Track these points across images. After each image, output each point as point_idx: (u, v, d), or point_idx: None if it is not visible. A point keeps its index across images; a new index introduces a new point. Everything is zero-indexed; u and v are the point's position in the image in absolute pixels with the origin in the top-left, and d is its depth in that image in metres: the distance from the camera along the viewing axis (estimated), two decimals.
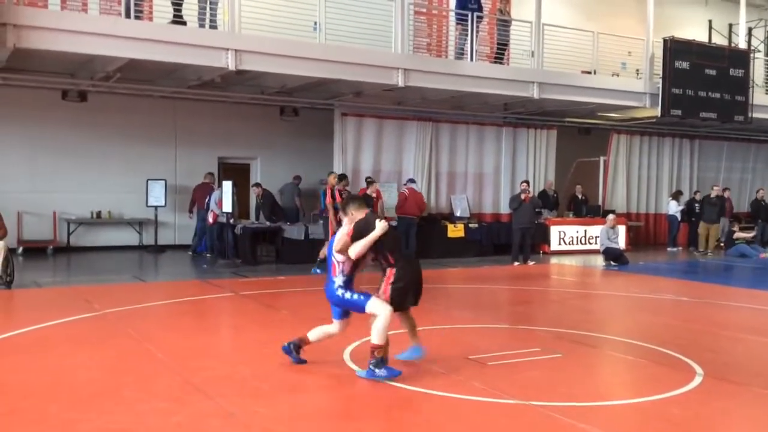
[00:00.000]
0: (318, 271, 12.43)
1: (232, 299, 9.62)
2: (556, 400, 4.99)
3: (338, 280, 5.62)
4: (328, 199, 12.49)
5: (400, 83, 12.94)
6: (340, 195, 12.47)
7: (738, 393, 5.39)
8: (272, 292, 10.11)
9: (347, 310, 5.71)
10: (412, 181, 14.97)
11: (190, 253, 14.67)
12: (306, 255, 13.39)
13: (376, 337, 5.40)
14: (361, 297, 5.51)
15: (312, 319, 8.22)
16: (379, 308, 5.44)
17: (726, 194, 18.40)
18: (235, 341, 7.28)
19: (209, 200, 14.30)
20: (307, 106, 15.74)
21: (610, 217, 15.36)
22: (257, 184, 14.87)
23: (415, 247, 13.97)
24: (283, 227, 13.57)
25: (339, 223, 12.52)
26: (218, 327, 8.42)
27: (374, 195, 13.42)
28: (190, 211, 15.20)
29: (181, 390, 5.16)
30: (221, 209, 13.48)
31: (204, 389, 5.15)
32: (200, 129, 15.88)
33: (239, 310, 8.98)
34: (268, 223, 13.92)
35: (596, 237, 15.73)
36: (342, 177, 13.38)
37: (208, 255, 14.43)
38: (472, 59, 14.15)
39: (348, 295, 5.56)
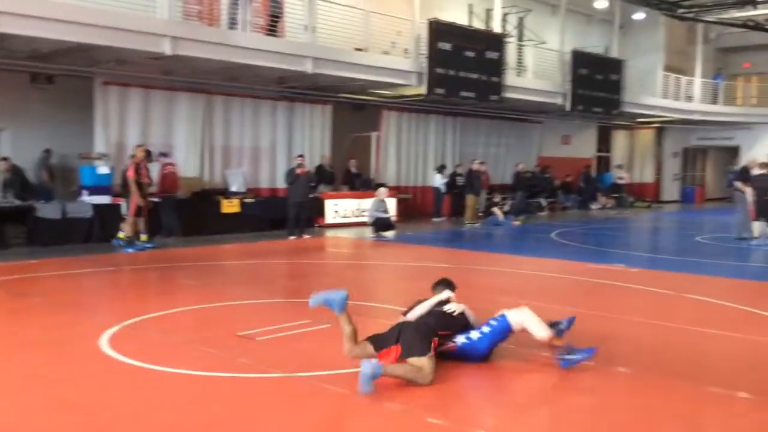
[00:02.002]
0: (130, 249, 11.94)
1: None
2: (322, 370, 5.08)
3: None
4: (131, 173, 11.88)
5: (168, 51, 12.29)
6: (136, 170, 11.98)
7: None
8: (22, 277, 9.18)
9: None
10: (167, 155, 14.24)
11: None
12: (63, 235, 12.36)
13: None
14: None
15: (68, 304, 7.63)
16: None
17: (483, 168, 19.95)
18: None
19: None
20: (64, 74, 14.36)
21: (382, 190, 15.99)
22: (4, 158, 13.34)
23: (180, 226, 13.62)
24: (35, 206, 12.34)
25: (143, 198, 11.96)
26: None
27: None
28: None
29: None
30: None
31: None
32: None
33: None
34: (17, 202, 12.59)
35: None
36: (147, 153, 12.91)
37: None
38: (245, 30, 13.84)
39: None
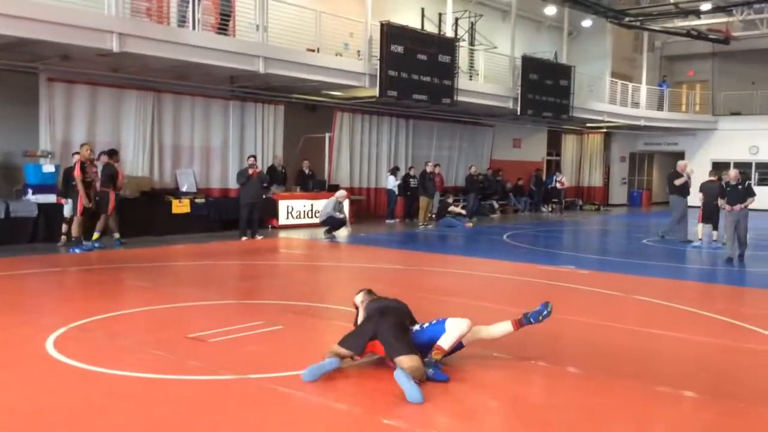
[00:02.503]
0: (77, 250, 11.59)
1: None
2: (274, 372, 5.02)
3: None
4: (77, 172, 11.57)
5: (115, 48, 12.01)
6: (82, 169, 11.65)
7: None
8: None
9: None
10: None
11: None
12: (7, 235, 11.97)
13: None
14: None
15: (13, 305, 7.38)
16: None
17: (437, 170, 20.08)
18: None
19: None
20: (6, 69, 13.89)
21: (341, 192, 15.93)
22: None
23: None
24: None
25: (90, 199, 11.63)
26: None
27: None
28: None
29: None
30: None
31: None
32: None
33: None
34: None
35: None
36: (113, 152, 12.89)
37: None
38: (195, 28, 13.65)
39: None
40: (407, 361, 4.82)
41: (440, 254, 13.27)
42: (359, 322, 5.46)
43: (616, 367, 5.52)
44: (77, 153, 12.36)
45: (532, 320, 5.45)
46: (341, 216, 15.49)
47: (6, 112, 14.14)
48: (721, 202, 13.11)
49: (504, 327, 5.51)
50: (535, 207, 25.38)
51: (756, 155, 29.26)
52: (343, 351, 5.08)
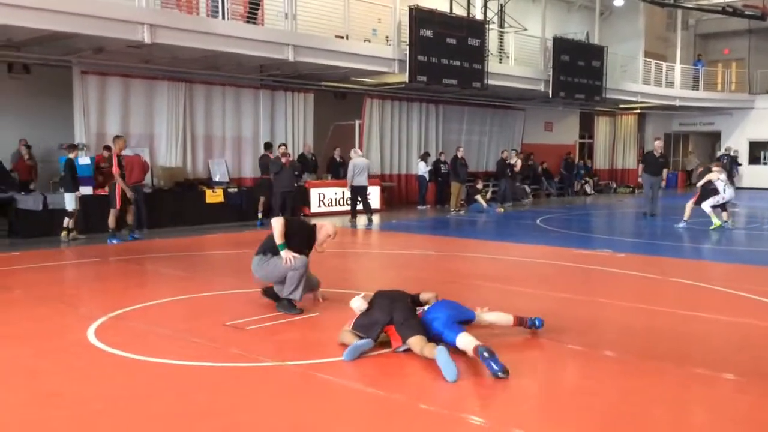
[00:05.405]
0: (114, 240, 11.71)
1: None
2: (312, 358, 5.07)
3: None
4: (115, 168, 11.73)
5: (146, 40, 12.13)
6: (119, 163, 11.74)
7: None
8: (3, 269, 9.04)
9: None
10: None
11: None
12: (44, 227, 12.21)
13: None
14: None
15: (53, 296, 7.54)
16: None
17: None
18: None
19: None
20: (41, 63, 14.15)
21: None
22: None
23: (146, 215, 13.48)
24: (16, 197, 12.17)
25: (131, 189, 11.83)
26: None
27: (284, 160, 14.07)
28: None
29: None
30: None
31: None
32: None
33: None
34: None
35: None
36: (268, 145, 13.94)
37: None
38: (224, 17, 13.72)
39: None
40: (418, 341, 5.04)
41: (473, 240, 13.21)
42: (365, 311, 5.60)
43: (653, 350, 5.46)
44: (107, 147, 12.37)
45: (536, 324, 5.54)
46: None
47: (41, 105, 14.41)
48: None
49: (504, 318, 5.69)
50: (566, 191, 25.10)
51: None
52: (359, 335, 5.26)
